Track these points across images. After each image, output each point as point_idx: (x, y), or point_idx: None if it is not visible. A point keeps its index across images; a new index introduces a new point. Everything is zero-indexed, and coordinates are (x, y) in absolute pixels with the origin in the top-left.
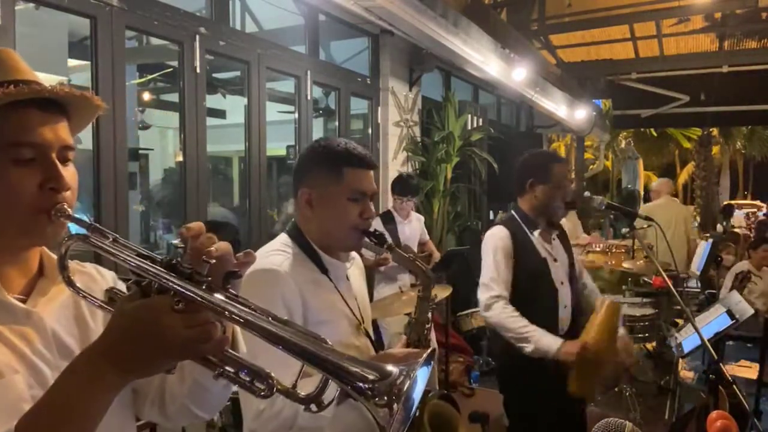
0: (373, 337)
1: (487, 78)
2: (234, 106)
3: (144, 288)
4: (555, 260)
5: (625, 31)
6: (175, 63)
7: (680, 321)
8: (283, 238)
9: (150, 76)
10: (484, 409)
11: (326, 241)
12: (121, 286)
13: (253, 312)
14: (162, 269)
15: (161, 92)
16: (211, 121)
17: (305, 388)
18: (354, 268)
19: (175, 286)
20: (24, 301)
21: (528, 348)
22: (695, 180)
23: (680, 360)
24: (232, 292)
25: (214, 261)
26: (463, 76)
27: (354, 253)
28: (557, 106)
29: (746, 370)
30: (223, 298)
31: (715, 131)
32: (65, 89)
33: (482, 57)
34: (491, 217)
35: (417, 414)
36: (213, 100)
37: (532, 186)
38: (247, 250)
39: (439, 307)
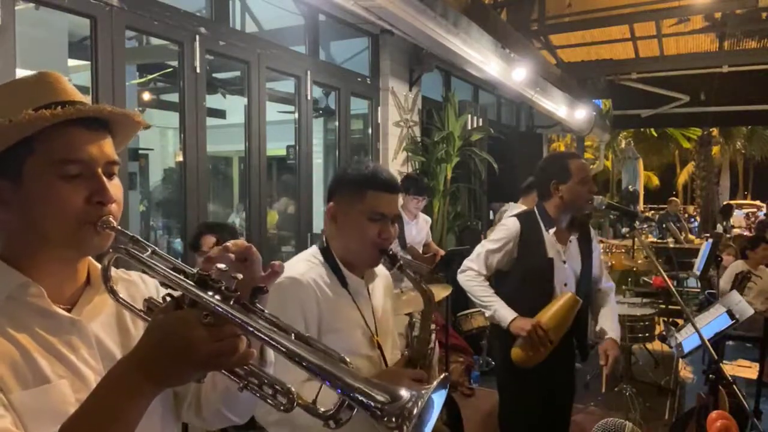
0: (387, 351)
1: (487, 78)
2: (234, 106)
3: (178, 300)
4: (564, 262)
5: (625, 31)
6: (175, 63)
7: (680, 321)
8: (313, 250)
9: (150, 76)
10: (485, 409)
11: (348, 256)
12: (163, 293)
13: (276, 328)
14: (192, 283)
15: (161, 92)
16: (211, 121)
17: (311, 394)
18: (379, 284)
19: (203, 300)
20: (69, 310)
21: (487, 314)
22: (695, 180)
23: (680, 360)
24: (259, 306)
25: (241, 276)
26: (463, 76)
27: (384, 270)
28: (557, 106)
29: (746, 370)
30: (244, 314)
31: (715, 131)
32: (108, 109)
33: (482, 57)
34: (491, 217)
35: None
36: (213, 100)
37: (556, 187)
38: (274, 262)
39: (439, 307)
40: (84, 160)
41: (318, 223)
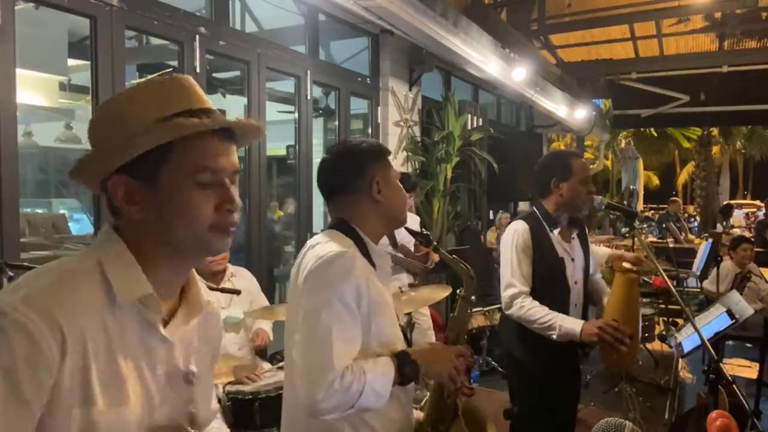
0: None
1: (487, 78)
2: (234, 106)
3: None
4: (572, 260)
5: (625, 31)
6: (175, 63)
7: (680, 321)
8: (331, 234)
9: (150, 76)
10: (484, 409)
11: (390, 224)
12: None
13: None
14: None
15: None
16: None
17: (368, 365)
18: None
19: None
20: (166, 322)
21: (554, 335)
22: (695, 180)
23: (680, 360)
24: None
25: None
26: (463, 76)
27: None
28: (557, 105)
29: (746, 370)
30: None
31: (715, 131)
32: (243, 122)
33: (482, 57)
34: (491, 217)
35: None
36: (213, 100)
37: (557, 185)
38: None
39: (439, 307)
40: (216, 170)
41: (318, 223)
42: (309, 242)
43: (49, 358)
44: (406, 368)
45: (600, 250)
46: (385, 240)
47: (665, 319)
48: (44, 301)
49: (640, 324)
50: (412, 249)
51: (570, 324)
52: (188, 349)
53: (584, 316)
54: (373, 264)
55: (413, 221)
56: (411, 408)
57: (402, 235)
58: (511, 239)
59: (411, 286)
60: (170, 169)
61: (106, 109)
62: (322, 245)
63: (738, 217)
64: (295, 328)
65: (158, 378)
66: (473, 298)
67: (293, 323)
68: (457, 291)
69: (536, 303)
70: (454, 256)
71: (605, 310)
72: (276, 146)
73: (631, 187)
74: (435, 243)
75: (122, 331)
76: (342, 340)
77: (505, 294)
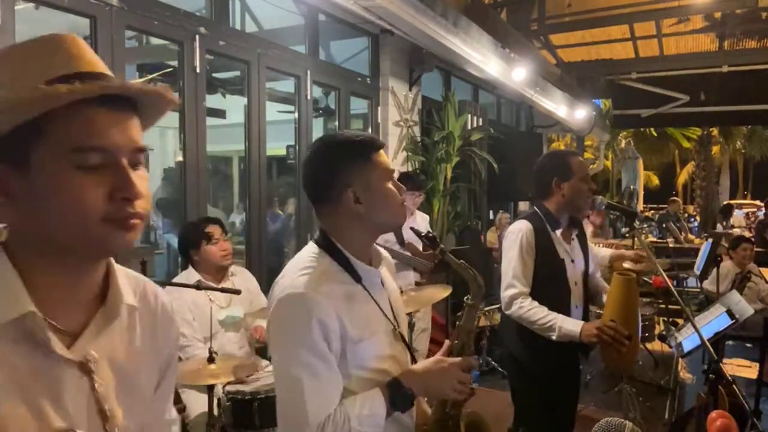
0: (407, 339)
1: (487, 78)
2: (234, 106)
3: None
4: (572, 261)
5: (625, 31)
6: (175, 63)
7: (680, 321)
8: (312, 249)
9: (150, 76)
10: (485, 409)
11: (380, 231)
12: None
13: None
14: None
15: None
16: (211, 121)
17: (355, 410)
18: (384, 268)
19: None
20: (75, 335)
21: (553, 336)
22: (695, 180)
23: (680, 360)
24: None
25: None
26: (463, 76)
27: (383, 251)
28: (557, 106)
29: (746, 370)
30: None
31: (715, 131)
32: (137, 86)
33: (482, 57)
34: (491, 217)
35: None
36: (213, 100)
37: (558, 185)
38: None
39: (439, 307)
40: (106, 148)
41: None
42: (285, 267)
43: None
44: (399, 398)
45: (601, 251)
46: (392, 237)
47: (665, 319)
48: None
49: (640, 324)
50: (421, 247)
51: (569, 325)
52: (119, 366)
53: (585, 318)
54: (359, 278)
55: (423, 220)
56: (408, 418)
57: (410, 233)
58: (515, 239)
59: (417, 284)
60: (43, 151)
61: None
62: (286, 278)
63: (738, 217)
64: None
65: (70, 415)
66: (481, 306)
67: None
68: (465, 298)
69: (536, 303)
70: (462, 261)
71: (604, 311)
72: (276, 146)
73: (631, 187)
74: (442, 246)
75: (8, 354)
76: (315, 391)
77: (505, 294)
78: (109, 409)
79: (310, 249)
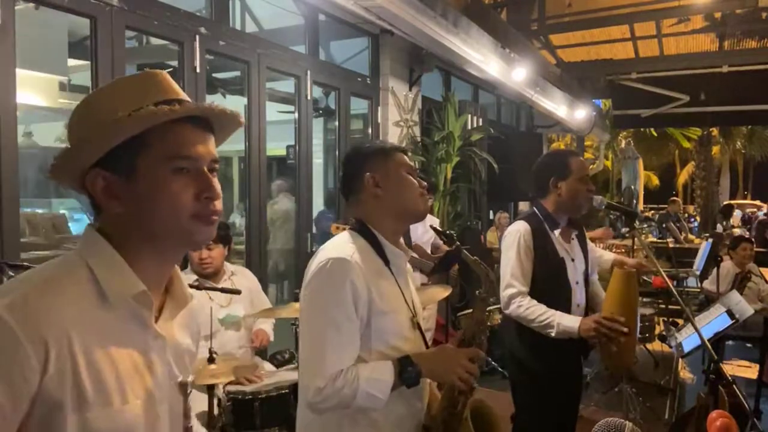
0: (423, 329)
1: (487, 78)
2: (234, 106)
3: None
4: (572, 260)
5: (625, 31)
6: (175, 63)
7: (680, 321)
8: (345, 236)
9: None
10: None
11: (401, 217)
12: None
13: None
14: None
15: None
16: None
17: (365, 371)
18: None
19: None
20: (156, 318)
21: (552, 333)
22: (695, 180)
23: (680, 360)
24: None
25: None
26: (463, 76)
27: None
28: (557, 106)
29: (746, 370)
30: None
31: (715, 131)
32: (219, 108)
33: (482, 57)
34: (491, 217)
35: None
36: (213, 100)
37: (555, 184)
38: None
39: (439, 307)
40: (193, 157)
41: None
42: (321, 246)
43: (26, 367)
44: (406, 374)
45: (604, 255)
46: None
47: (665, 319)
48: (28, 307)
49: (638, 319)
50: (428, 249)
51: (567, 321)
52: (176, 350)
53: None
54: (387, 262)
55: (434, 223)
56: (418, 401)
57: (418, 234)
58: (513, 240)
59: (423, 285)
60: (147, 160)
61: (82, 106)
62: (325, 251)
63: (738, 217)
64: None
65: (159, 380)
66: (492, 299)
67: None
68: (476, 291)
69: (534, 302)
70: (476, 257)
71: (603, 306)
72: (276, 146)
73: (632, 187)
74: (458, 243)
75: (118, 332)
76: (336, 345)
77: (504, 294)
78: (180, 379)
79: (344, 235)
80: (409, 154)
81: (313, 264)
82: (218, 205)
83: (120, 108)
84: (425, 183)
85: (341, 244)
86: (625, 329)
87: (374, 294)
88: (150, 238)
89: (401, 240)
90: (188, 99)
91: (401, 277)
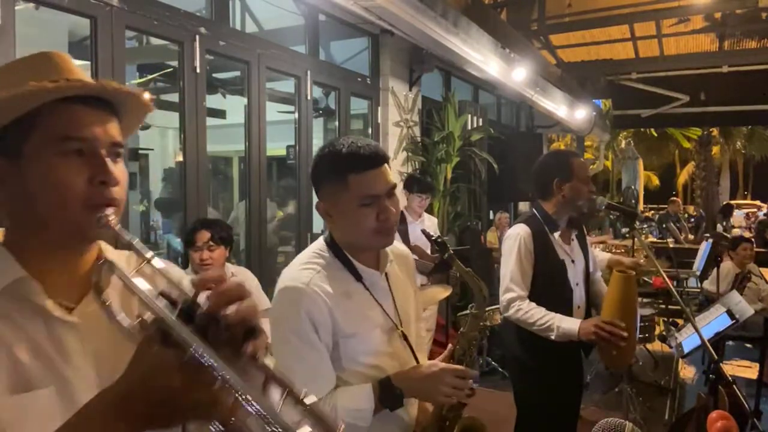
0: (411, 339)
1: (487, 78)
2: (234, 106)
3: (164, 331)
4: (573, 261)
5: (625, 31)
6: (175, 63)
7: (680, 321)
8: (319, 245)
9: (150, 76)
10: (485, 409)
11: (356, 246)
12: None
13: (273, 379)
14: (174, 318)
15: (161, 92)
16: (211, 121)
17: (343, 401)
18: (396, 266)
19: (184, 340)
20: (72, 310)
21: (552, 336)
22: (695, 180)
23: (680, 360)
24: (249, 353)
25: (231, 319)
26: (463, 76)
27: (400, 248)
28: (557, 106)
29: (746, 370)
30: (225, 360)
31: (715, 131)
32: (113, 86)
33: (482, 57)
34: (491, 217)
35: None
36: (213, 100)
37: (559, 185)
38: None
39: (439, 307)
40: (86, 138)
41: (318, 223)
42: (294, 259)
43: None
44: (387, 397)
45: (600, 255)
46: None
47: (665, 319)
48: None
49: (638, 321)
50: (428, 250)
51: (567, 324)
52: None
53: (588, 318)
54: (360, 277)
55: (432, 223)
56: (406, 415)
57: (416, 235)
58: (513, 243)
59: (422, 286)
60: (35, 142)
61: None
62: (289, 270)
63: (738, 217)
64: None
65: (77, 367)
66: (485, 314)
67: None
68: (469, 306)
69: (533, 305)
70: (469, 269)
71: (602, 308)
72: (276, 146)
73: (632, 187)
74: (451, 251)
75: (12, 320)
76: (305, 376)
77: (504, 298)
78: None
79: (318, 245)
80: (409, 157)
81: (278, 283)
82: (116, 192)
83: (5, 88)
84: (390, 209)
85: (301, 267)
86: (625, 333)
87: (338, 318)
88: (37, 228)
89: (386, 250)
90: (88, 80)
91: (378, 290)
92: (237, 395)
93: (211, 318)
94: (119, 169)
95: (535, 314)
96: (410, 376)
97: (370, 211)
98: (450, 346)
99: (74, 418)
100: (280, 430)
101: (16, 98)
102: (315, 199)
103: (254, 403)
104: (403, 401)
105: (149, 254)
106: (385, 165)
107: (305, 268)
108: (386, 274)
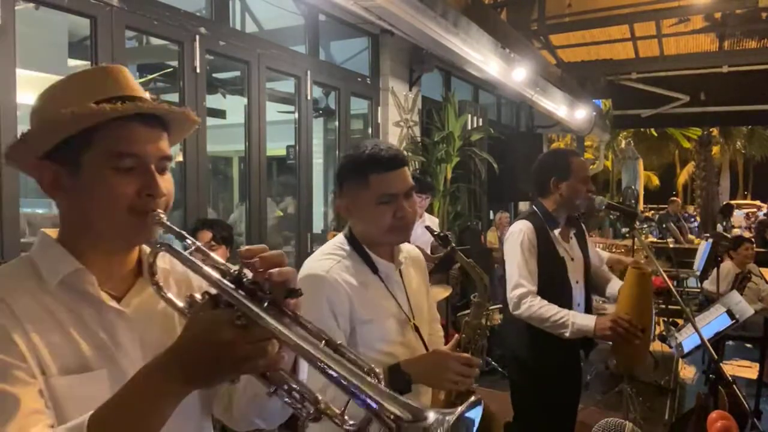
0: (424, 333)
1: (487, 78)
2: (234, 106)
3: (215, 298)
4: (572, 259)
5: (625, 31)
6: (175, 63)
7: (680, 321)
8: (339, 239)
9: (150, 76)
10: (485, 409)
11: (373, 241)
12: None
13: (309, 333)
14: (227, 283)
15: (161, 92)
16: (211, 121)
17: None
18: (410, 267)
19: (237, 300)
20: (119, 300)
21: (566, 333)
22: (695, 180)
23: (680, 360)
24: (290, 311)
25: (275, 278)
26: (463, 76)
27: (414, 251)
28: (557, 106)
29: (746, 370)
30: (275, 317)
31: (715, 131)
32: (165, 107)
33: (482, 57)
34: (491, 217)
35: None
36: (213, 100)
37: (556, 184)
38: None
39: (439, 308)
40: (139, 155)
41: (318, 223)
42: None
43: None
44: (396, 382)
45: (599, 254)
46: None
47: (665, 319)
48: None
49: (654, 319)
50: (428, 249)
51: (582, 320)
52: (167, 326)
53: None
54: (376, 269)
55: (432, 223)
56: (417, 402)
57: (417, 234)
58: (517, 239)
59: None
60: (92, 155)
61: (38, 98)
62: (306, 263)
63: (738, 217)
64: None
65: (126, 351)
66: (488, 304)
67: None
68: (472, 296)
69: (545, 302)
70: (470, 260)
71: (617, 305)
72: (276, 146)
73: (632, 187)
74: (453, 245)
75: (69, 308)
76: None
77: (513, 294)
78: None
79: (339, 239)
80: (409, 157)
81: (300, 273)
82: (160, 203)
83: (66, 104)
84: (407, 208)
85: (322, 259)
86: (640, 332)
87: (356, 304)
88: (88, 232)
89: (399, 247)
90: (143, 95)
91: (392, 282)
92: (290, 342)
93: (257, 283)
94: (166, 180)
95: (549, 310)
96: (418, 363)
97: (387, 209)
98: (456, 335)
99: (131, 381)
100: (335, 372)
101: (76, 117)
102: (316, 199)
103: (309, 351)
104: (411, 386)
105: (195, 244)
106: (405, 168)
107: (326, 258)
108: (400, 270)
